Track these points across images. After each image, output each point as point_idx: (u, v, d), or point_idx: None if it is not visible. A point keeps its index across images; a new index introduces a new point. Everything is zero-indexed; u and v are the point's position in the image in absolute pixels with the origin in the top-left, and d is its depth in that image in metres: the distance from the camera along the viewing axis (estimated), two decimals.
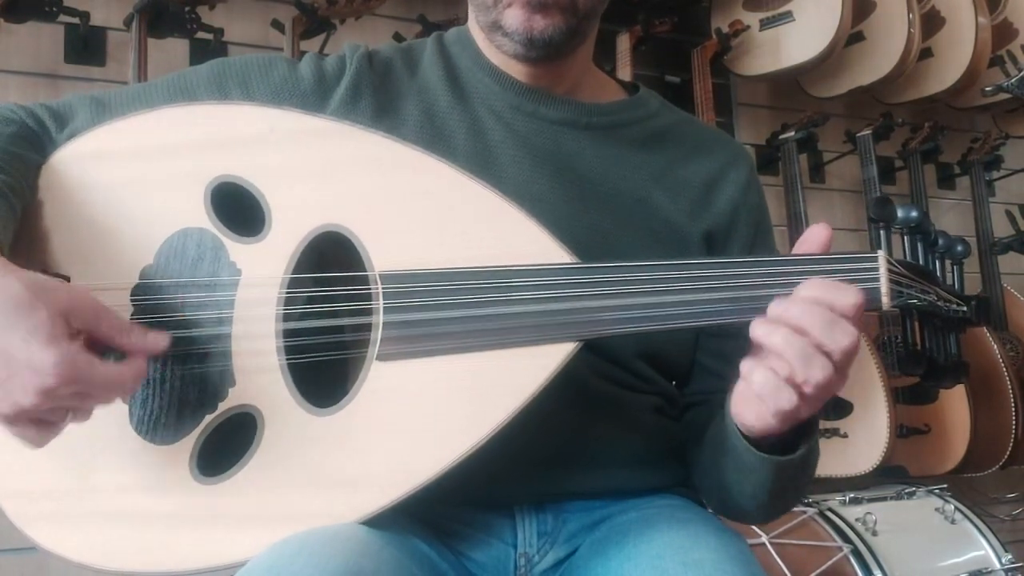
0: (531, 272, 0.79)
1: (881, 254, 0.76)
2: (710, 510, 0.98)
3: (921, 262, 0.81)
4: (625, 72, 2.38)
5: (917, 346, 2.25)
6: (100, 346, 0.74)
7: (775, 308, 0.73)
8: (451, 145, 0.94)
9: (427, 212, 0.82)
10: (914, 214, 0.81)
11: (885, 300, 0.76)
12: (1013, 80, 2.67)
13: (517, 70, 0.98)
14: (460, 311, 0.79)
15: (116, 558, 0.79)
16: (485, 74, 0.99)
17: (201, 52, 2.17)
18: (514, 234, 0.81)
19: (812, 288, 0.73)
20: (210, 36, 2.09)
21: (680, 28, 2.57)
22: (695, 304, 0.77)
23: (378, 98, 0.96)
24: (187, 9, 1.99)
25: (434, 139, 0.93)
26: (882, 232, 0.81)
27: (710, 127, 1.15)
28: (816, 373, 0.71)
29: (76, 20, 2.01)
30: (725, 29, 2.62)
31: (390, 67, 0.99)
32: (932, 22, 2.80)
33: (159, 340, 0.77)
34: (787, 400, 0.72)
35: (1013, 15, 2.94)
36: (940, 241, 0.82)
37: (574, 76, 1.01)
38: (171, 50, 2.11)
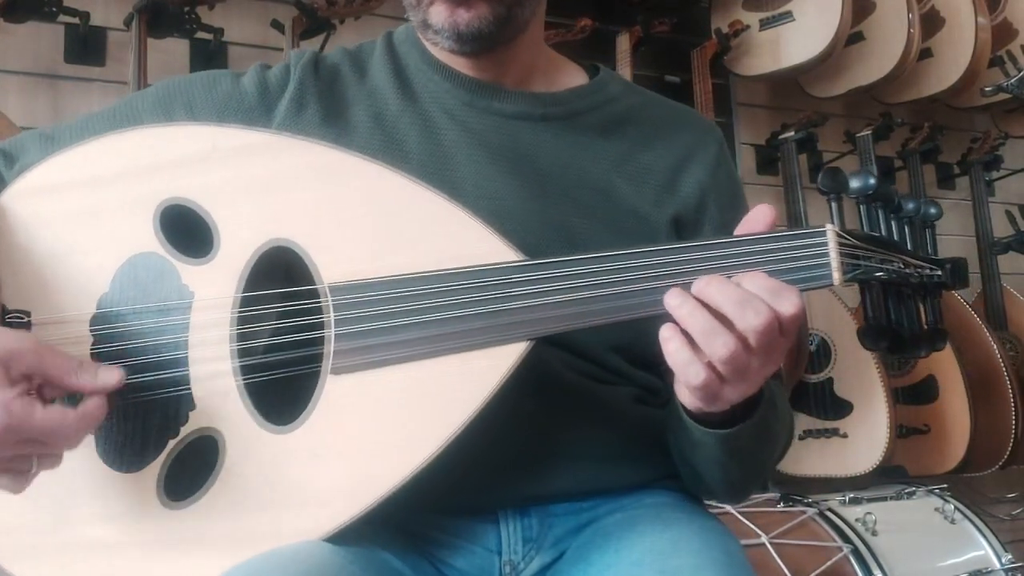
0: (476, 273, 0.78)
1: (830, 227, 0.73)
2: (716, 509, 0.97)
3: (889, 230, 0.77)
4: (625, 72, 2.39)
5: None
6: (53, 389, 0.73)
7: (697, 284, 0.73)
8: (404, 149, 0.92)
9: (373, 220, 0.81)
10: (871, 181, 0.77)
11: (836, 276, 0.72)
12: (1013, 80, 2.67)
13: (462, 64, 0.96)
14: (410, 318, 0.78)
15: None
16: (434, 72, 0.97)
17: (201, 52, 2.17)
18: (462, 236, 0.80)
19: (746, 278, 0.72)
20: (210, 36, 2.09)
21: (680, 28, 2.57)
22: (643, 293, 0.75)
23: (324, 105, 0.94)
24: (187, 9, 1.99)
25: (386, 144, 0.92)
26: (833, 204, 0.78)
27: (677, 104, 1.09)
28: (719, 349, 0.70)
29: (76, 20, 2.01)
30: (725, 29, 2.62)
31: (337, 73, 0.97)
32: (932, 22, 2.80)
33: (110, 375, 0.75)
34: (695, 375, 0.71)
35: (1013, 15, 2.94)
36: (909, 205, 0.78)
37: (524, 65, 0.98)
38: (171, 50, 2.11)
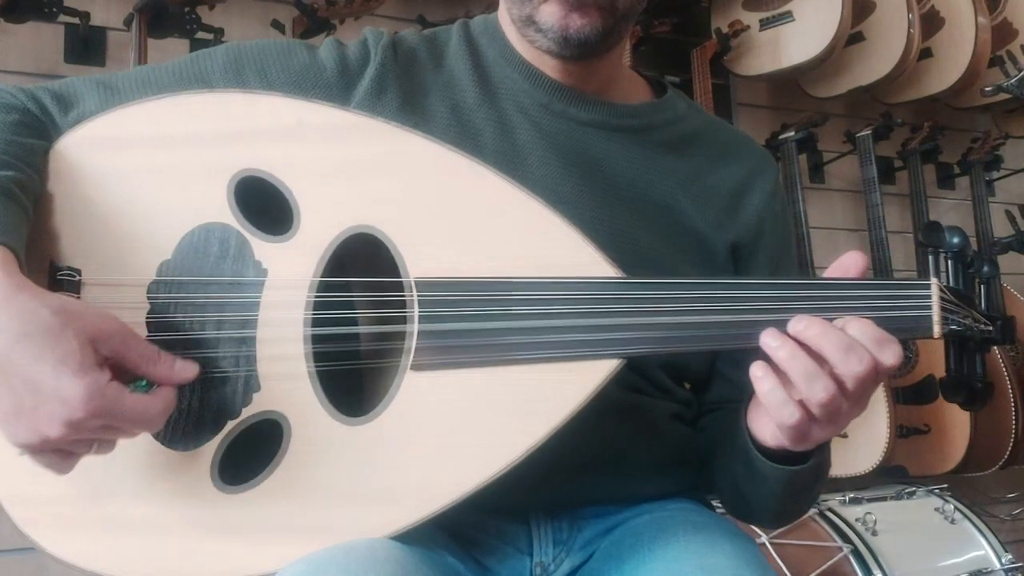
0: (575, 285, 0.76)
1: (935, 282, 0.75)
2: (721, 511, 0.98)
3: (961, 285, 0.80)
4: None
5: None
6: (127, 372, 0.71)
7: (796, 324, 0.73)
8: (478, 143, 0.91)
9: (465, 217, 0.78)
10: (956, 240, 0.79)
11: (936, 330, 0.74)
12: (1013, 80, 2.67)
13: (548, 66, 0.95)
14: (500, 323, 0.75)
15: (130, 567, 0.76)
16: (514, 70, 0.96)
17: None
18: (559, 244, 0.77)
19: (852, 324, 0.72)
20: (210, 36, 2.09)
21: (680, 28, 2.57)
22: (742, 325, 0.75)
23: (403, 91, 0.92)
24: (187, 9, 1.99)
25: (460, 136, 0.90)
26: (931, 258, 0.79)
27: (735, 130, 1.12)
28: (818, 393, 0.70)
29: (76, 20, 2.01)
30: (725, 29, 2.62)
31: (414, 57, 0.96)
32: (932, 22, 2.80)
33: (188, 369, 0.73)
34: (789, 415, 0.72)
35: (1013, 15, 2.94)
36: (974, 262, 0.81)
37: (606, 75, 0.98)
38: (171, 50, 2.11)
